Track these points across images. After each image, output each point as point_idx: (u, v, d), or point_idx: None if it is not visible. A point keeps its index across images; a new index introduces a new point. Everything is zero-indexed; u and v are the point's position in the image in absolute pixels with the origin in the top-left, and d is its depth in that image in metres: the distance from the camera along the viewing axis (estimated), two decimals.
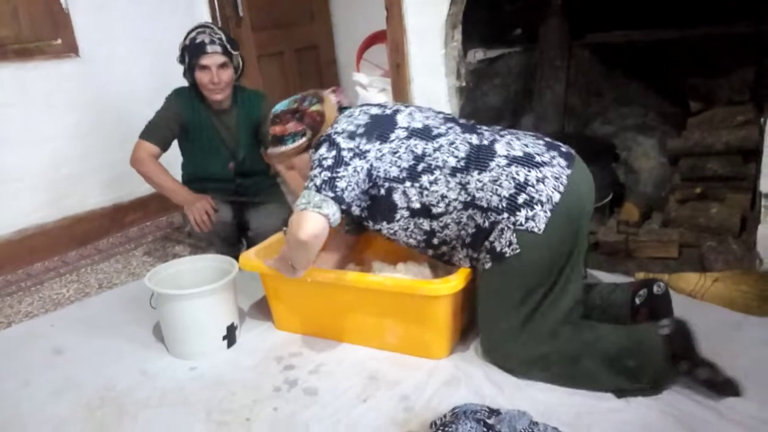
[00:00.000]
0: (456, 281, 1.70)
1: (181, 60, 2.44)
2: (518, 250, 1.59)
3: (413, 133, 1.73)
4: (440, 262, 1.88)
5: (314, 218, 1.61)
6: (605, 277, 2.17)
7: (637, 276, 2.17)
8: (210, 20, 3.54)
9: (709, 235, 2.30)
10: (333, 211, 1.62)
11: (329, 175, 1.64)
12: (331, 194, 1.62)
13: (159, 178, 2.41)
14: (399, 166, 1.70)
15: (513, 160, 1.64)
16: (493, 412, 1.43)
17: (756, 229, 2.12)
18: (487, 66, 2.93)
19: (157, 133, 2.43)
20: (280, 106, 1.88)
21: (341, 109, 1.89)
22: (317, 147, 1.74)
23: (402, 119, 1.76)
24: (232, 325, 1.97)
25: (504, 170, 1.63)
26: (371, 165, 1.70)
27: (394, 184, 1.70)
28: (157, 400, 1.74)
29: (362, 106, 1.86)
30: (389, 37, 2.78)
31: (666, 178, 2.74)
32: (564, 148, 1.73)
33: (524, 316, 1.63)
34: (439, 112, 1.86)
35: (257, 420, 1.61)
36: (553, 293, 1.63)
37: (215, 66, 2.37)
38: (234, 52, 2.43)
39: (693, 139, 2.52)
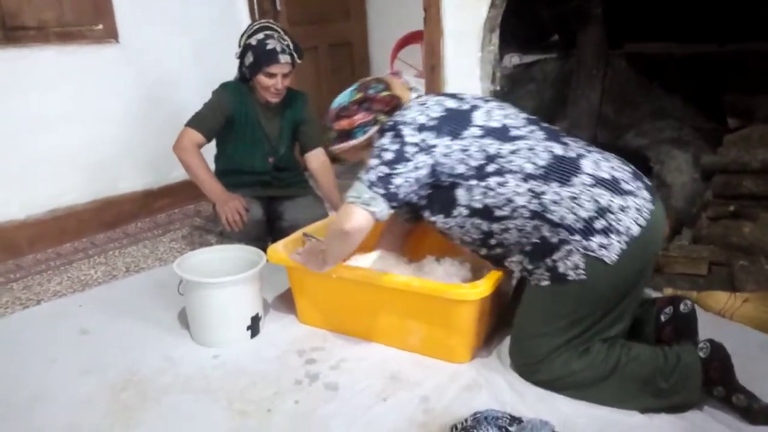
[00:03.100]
0: (483, 287, 1.69)
1: (242, 57, 2.45)
2: (583, 276, 1.53)
3: (489, 132, 1.62)
4: (488, 262, 1.81)
5: (360, 214, 1.60)
6: None
7: (665, 291, 2.14)
8: (248, 12, 3.58)
9: (740, 254, 2.26)
10: (381, 208, 1.60)
11: (386, 171, 1.59)
12: (382, 191, 1.59)
13: (198, 171, 2.45)
14: (467, 164, 1.60)
15: (599, 182, 1.55)
16: (515, 419, 1.42)
17: None
18: (522, 71, 2.91)
19: (204, 122, 2.47)
20: (343, 99, 1.79)
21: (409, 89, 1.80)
22: (381, 133, 1.67)
23: (479, 116, 1.65)
24: (257, 315, 1.99)
25: (588, 190, 1.53)
26: (436, 161, 1.62)
27: (459, 180, 1.62)
28: (180, 386, 1.76)
29: (438, 95, 1.75)
30: (426, 39, 2.77)
31: (698, 194, 2.70)
32: (647, 180, 1.64)
33: (567, 340, 1.59)
34: (522, 112, 1.72)
35: (278, 412, 1.62)
36: (602, 324, 1.59)
37: (281, 74, 2.41)
38: (299, 61, 2.47)
39: (729, 155, 2.48)
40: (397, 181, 1.59)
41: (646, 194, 1.58)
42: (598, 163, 1.59)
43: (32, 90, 2.77)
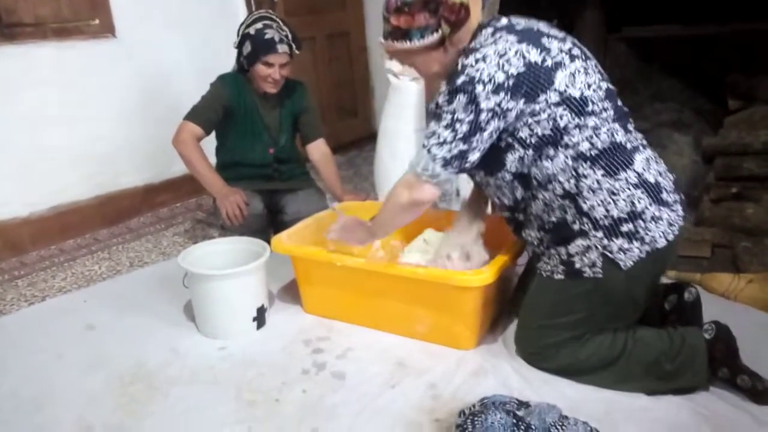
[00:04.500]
0: (488, 273, 1.70)
1: (240, 46, 2.44)
2: (600, 275, 1.50)
3: (566, 101, 1.45)
4: (511, 228, 1.76)
5: (430, 191, 1.56)
6: None
7: (668, 274, 2.15)
8: (245, 3, 3.57)
9: (743, 236, 2.27)
10: (454, 184, 1.57)
11: (462, 147, 1.47)
12: (457, 170, 1.51)
13: (198, 165, 2.43)
14: (533, 131, 1.48)
15: (643, 183, 1.48)
16: (523, 404, 1.43)
17: None
18: None
19: (202, 115, 2.45)
20: None
21: None
22: (451, 93, 1.47)
23: (561, 79, 1.45)
24: (262, 306, 1.99)
25: (629, 188, 1.47)
26: (507, 124, 1.49)
27: (517, 145, 1.51)
28: (188, 378, 1.77)
29: (521, 35, 1.47)
30: None
31: (700, 176, 2.70)
32: (682, 195, 1.58)
33: (574, 334, 1.59)
34: (604, 81, 1.55)
35: (286, 401, 1.63)
36: (612, 322, 1.59)
37: (279, 64, 2.39)
38: (297, 52, 2.46)
39: (730, 137, 2.48)
40: (473, 157, 1.50)
41: (680, 210, 1.53)
42: (648, 162, 1.52)
43: (30, 87, 2.76)
